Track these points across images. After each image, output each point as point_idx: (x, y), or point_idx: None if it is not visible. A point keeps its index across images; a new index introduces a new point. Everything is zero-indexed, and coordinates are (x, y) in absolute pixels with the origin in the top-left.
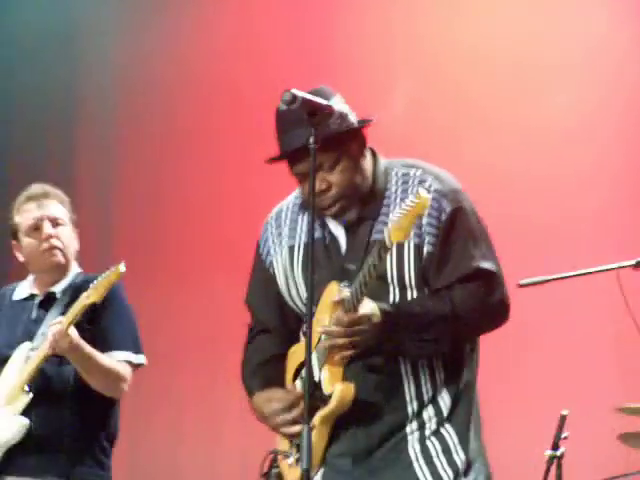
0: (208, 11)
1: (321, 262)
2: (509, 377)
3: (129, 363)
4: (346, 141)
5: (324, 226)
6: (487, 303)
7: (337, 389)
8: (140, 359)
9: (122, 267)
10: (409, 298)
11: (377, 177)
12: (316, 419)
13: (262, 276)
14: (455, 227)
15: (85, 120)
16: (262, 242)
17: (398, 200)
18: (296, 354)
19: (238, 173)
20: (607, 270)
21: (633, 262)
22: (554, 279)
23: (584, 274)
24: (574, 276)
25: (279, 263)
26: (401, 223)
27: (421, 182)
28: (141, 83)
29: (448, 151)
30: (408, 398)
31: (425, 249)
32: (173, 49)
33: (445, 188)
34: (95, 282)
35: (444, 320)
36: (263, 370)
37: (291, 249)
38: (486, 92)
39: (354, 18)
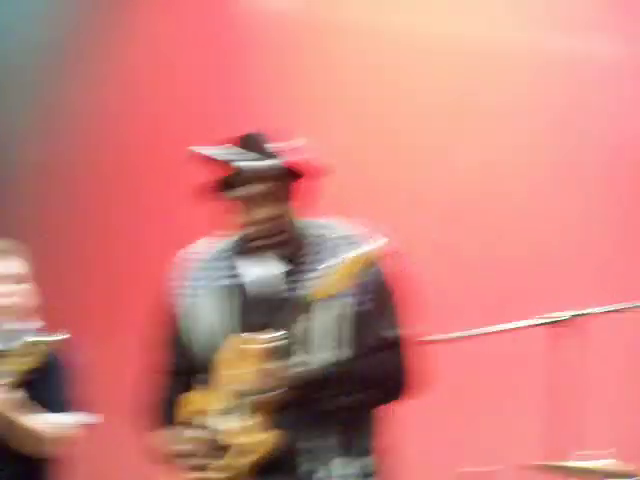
0: (128, 53)
1: (233, 308)
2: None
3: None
4: (296, 178)
5: (236, 268)
6: (399, 373)
7: (264, 439)
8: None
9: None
10: (324, 356)
11: (300, 226)
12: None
13: (175, 311)
14: (376, 292)
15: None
16: (179, 277)
17: (319, 257)
18: (200, 399)
19: (158, 211)
20: (521, 327)
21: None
22: (465, 336)
23: (498, 331)
24: (489, 333)
25: (197, 303)
26: (331, 281)
27: (346, 244)
28: (63, 127)
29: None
30: (320, 454)
31: (348, 310)
32: (95, 94)
33: (366, 251)
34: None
35: (359, 384)
36: (167, 407)
37: (210, 291)
38: (419, 137)
39: (273, 60)
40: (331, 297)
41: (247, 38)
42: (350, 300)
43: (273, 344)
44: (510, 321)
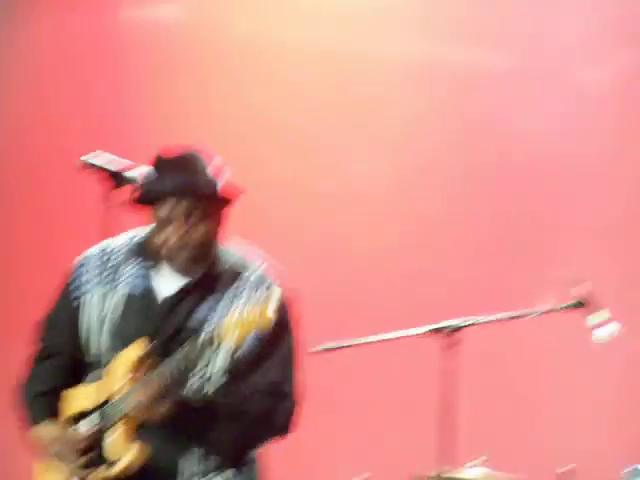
0: (29, 55)
1: (135, 316)
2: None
3: None
4: (219, 202)
5: (148, 276)
6: (279, 419)
7: (132, 450)
8: None
9: None
10: (209, 390)
11: (219, 251)
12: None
13: (66, 306)
14: (270, 342)
15: None
16: (74, 276)
17: (231, 291)
18: (76, 400)
19: (62, 212)
20: (407, 336)
21: (432, 328)
22: (351, 345)
23: (384, 340)
24: (375, 342)
25: (88, 303)
26: (241, 325)
27: (259, 286)
28: None
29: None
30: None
31: (239, 353)
32: None
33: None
34: None
35: (244, 422)
36: (45, 401)
37: (105, 294)
38: (310, 149)
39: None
40: (234, 334)
41: (136, 48)
42: (249, 341)
43: (159, 359)
44: (399, 330)
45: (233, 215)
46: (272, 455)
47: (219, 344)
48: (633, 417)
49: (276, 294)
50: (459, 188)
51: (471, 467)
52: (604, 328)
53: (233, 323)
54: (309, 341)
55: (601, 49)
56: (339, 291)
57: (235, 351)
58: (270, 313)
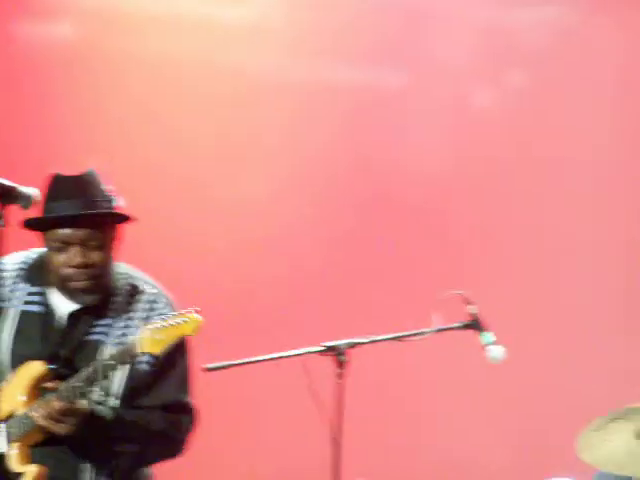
0: None
1: (32, 335)
2: None
3: None
4: (115, 227)
5: (44, 296)
6: (179, 435)
7: (30, 470)
8: None
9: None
10: (110, 405)
11: (115, 274)
12: None
13: None
14: (167, 360)
15: None
16: None
17: (129, 313)
18: None
19: None
20: (295, 355)
21: (320, 348)
22: (240, 364)
23: (272, 359)
24: (262, 361)
25: None
26: (161, 337)
27: (158, 308)
28: None
29: None
30: None
31: (141, 367)
32: None
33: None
34: None
35: (142, 439)
36: None
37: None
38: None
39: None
40: (135, 354)
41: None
42: (148, 360)
43: (57, 379)
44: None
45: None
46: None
47: (117, 363)
48: (523, 436)
49: (170, 315)
50: (348, 205)
51: None
52: (496, 348)
53: (157, 333)
54: (202, 359)
55: (491, 69)
56: (230, 310)
57: (134, 369)
58: (198, 317)
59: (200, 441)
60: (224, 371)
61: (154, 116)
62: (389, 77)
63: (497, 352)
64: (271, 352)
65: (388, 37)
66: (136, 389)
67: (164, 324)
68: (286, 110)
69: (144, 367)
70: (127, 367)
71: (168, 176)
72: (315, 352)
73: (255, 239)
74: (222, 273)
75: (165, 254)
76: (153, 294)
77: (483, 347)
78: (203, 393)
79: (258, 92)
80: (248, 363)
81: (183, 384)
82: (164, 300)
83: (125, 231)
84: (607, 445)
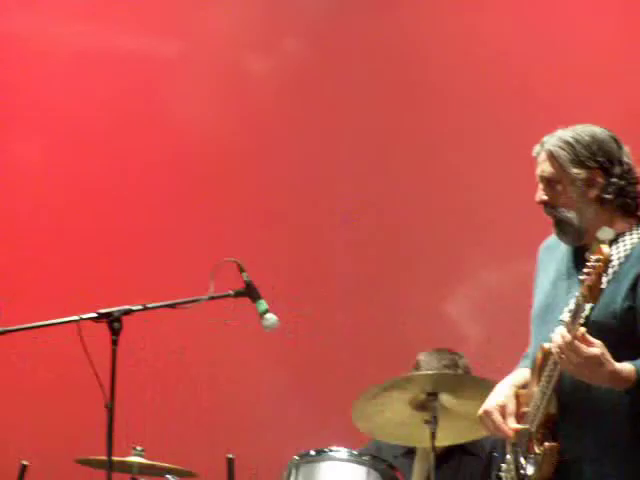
0: None
1: None
2: None
3: None
4: None
5: None
6: None
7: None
8: None
9: None
10: None
11: None
12: None
13: None
14: None
15: None
16: None
17: None
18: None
19: None
20: (69, 322)
21: (94, 315)
22: (14, 330)
23: (47, 325)
24: (37, 327)
25: None
26: None
27: None
28: None
29: None
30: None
31: None
32: None
33: None
34: None
35: None
36: None
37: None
38: None
39: None
40: None
41: None
42: None
43: None
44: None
45: None
46: None
47: None
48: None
49: None
50: (118, 171)
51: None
52: (270, 316)
53: None
54: None
55: (266, 37)
56: None
57: None
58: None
59: None
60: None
61: None
62: (162, 45)
63: (271, 320)
64: (46, 319)
65: (160, 5)
66: None
67: None
68: (59, 75)
69: None
70: None
71: None
72: (89, 319)
73: (25, 211)
74: None
75: None
76: None
77: (263, 314)
78: None
79: (32, 57)
80: (22, 330)
81: None
82: None
83: None
84: (382, 414)
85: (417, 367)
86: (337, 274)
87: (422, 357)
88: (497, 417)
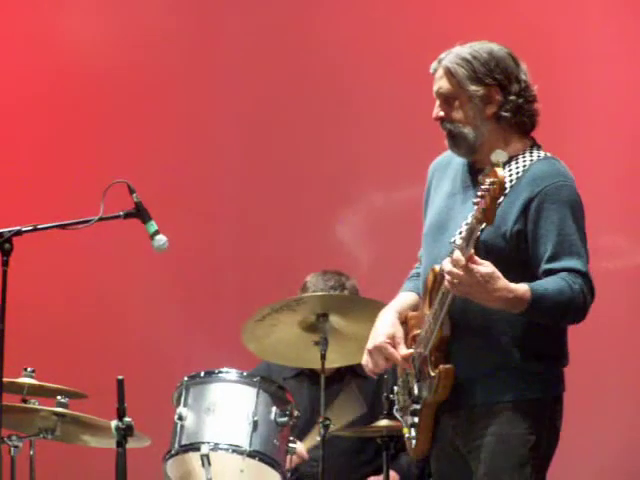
0: None
1: None
2: None
3: None
4: None
5: None
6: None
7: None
8: None
9: None
10: None
11: None
12: None
13: None
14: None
15: None
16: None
17: None
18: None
19: None
20: None
21: None
22: None
23: None
24: None
25: None
26: None
27: None
28: None
29: None
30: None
31: None
32: None
33: None
34: None
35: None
36: None
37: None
38: None
39: None
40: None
41: None
42: None
43: None
44: None
45: None
46: None
47: None
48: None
49: None
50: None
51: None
52: (160, 237)
53: None
54: None
55: None
56: None
57: None
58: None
59: None
60: None
61: None
62: None
63: (161, 241)
64: None
65: None
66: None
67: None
68: None
69: None
70: None
71: None
72: None
73: None
74: None
75: None
76: None
77: (154, 235)
78: None
79: None
80: None
81: None
82: None
83: None
84: (272, 336)
85: (304, 289)
86: (227, 196)
87: (309, 279)
88: (390, 350)
